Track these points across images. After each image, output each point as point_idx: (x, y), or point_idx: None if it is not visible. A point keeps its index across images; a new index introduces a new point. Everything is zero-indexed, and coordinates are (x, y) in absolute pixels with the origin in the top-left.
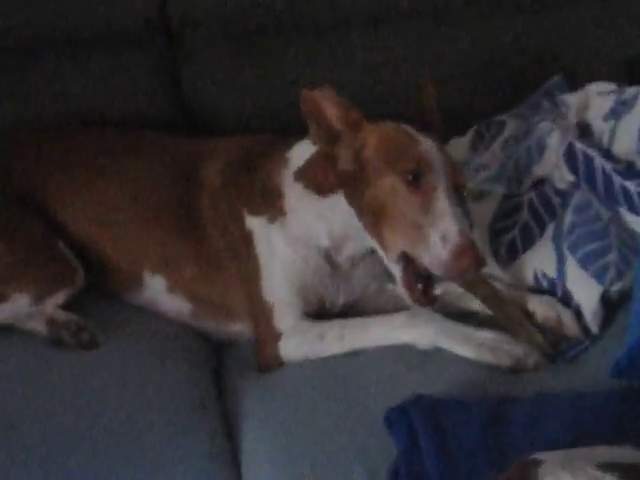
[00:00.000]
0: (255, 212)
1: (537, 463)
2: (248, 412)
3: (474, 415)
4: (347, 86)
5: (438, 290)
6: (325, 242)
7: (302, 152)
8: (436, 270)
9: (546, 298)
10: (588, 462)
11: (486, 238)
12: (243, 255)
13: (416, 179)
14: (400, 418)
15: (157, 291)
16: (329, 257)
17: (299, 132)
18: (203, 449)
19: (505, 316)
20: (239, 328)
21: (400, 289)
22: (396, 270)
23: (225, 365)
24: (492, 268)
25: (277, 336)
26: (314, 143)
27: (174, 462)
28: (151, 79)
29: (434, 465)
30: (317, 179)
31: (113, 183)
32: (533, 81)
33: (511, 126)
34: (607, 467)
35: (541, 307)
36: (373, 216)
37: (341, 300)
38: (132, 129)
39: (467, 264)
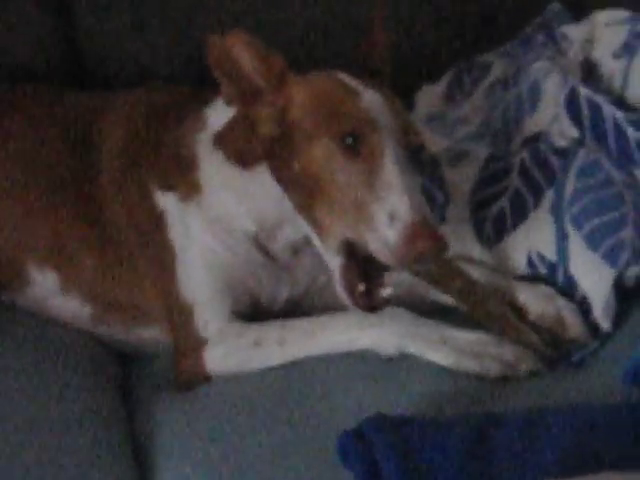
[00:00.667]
0: (166, 187)
1: None
2: (164, 445)
3: (451, 439)
4: (282, 21)
5: (388, 290)
6: (253, 226)
7: (225, 111)
8: (384, 257)
9: (542, 289)
10: None
11: (466, 211)
12: (154, 242)
13: (355, 142)
14: (356, 445)
15: (47, 290)
16: (261, 244)
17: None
18: None
19: (487, 314)
20: (152, 334)
21: (338, 288)
22: (334, 263)
23: (134, 382)
24: (472, 249)
25: (201, 343)
26: (227, 103)
27: None
28: (37, 17)
29: None
30: (238, 147)
31: None
32: (526, 10)
33: (498, 68)
34: None
35: (535, 301)
36: (304, 193)
37: (281, 297)
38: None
39: (422, 247)
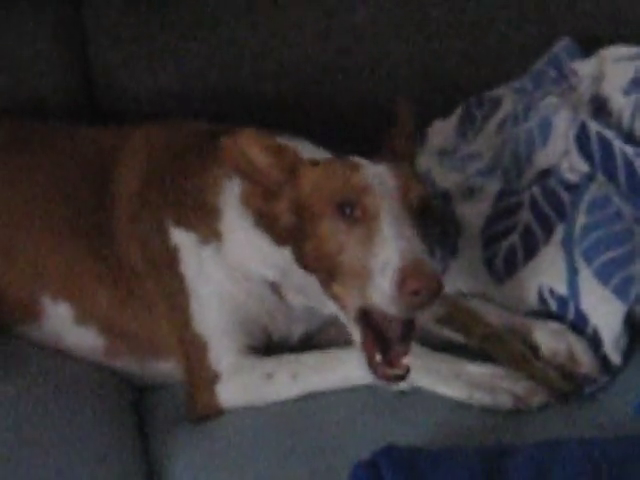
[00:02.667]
0: (183, 225)
1: None
2: (178, 477)
3: (463, 470)
4: (295, 57)
5: (407, 360)
6: (272, 277)
7: None
8: (385, 307)
9: (554, 326)
10: None
11: (477, 246)
12: (167, 276)
13: (352, 210)
14: (369, 474)
15: (61, 322)
16: (278, 291)
17: (242, 119)
18: None
19: (509, 355)
20: (167, 368)
21: (363, 360)
22: (356, 335)
23: (149, 413)
24: (483, 285)
25: (214, 377)
26: (250, 205)
27: None
28: (51, 51)
29: None
30: (267, 224)
31: (1, 188)
32: (537, 45)
33: (509, 103)
34: None
35: (548, 338)
36: (322, 272)
37: (296, 333)
38: (23, 118)
39: (413, 286)
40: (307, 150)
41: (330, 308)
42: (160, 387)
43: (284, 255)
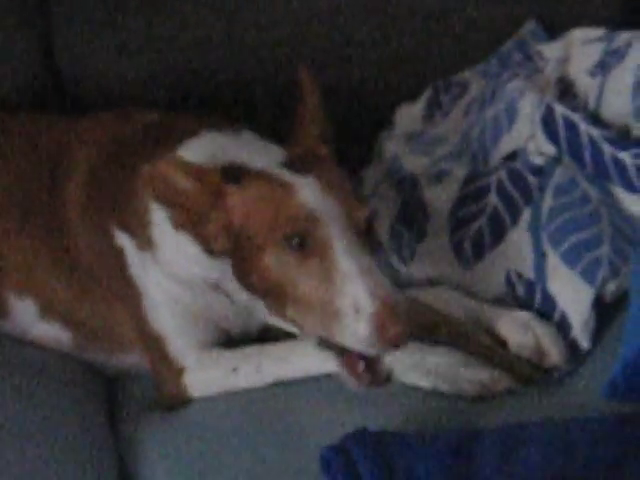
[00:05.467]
0: (124, 229)
1: None
2: (148, 464)
3: (433, 454)
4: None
5: (386, 362)
6: (212, 278)
7: (190, 158)
8: (361, 349)
9: (520, 316)
10: None
11: (445, 230)
12: (118, 276)
13: (302, 242)
14: (339, 458)
15: (28, 318)
16: (222, 289)
17: (200, 105)
18: None
19: (473, 347)
20: (133, 360)
21: (342, 376)
22: (327, 353)
23: (120, 402)
24: (451, 269)
25: (179, 371)
26: (176, 229)
27: None
28: (17, 39)
29: None
30: (199, 241)
31: None
32: (504, 28)
33: (475, 86)
34: None
35: (514, 331)
36: (270, 299)
37: (252, 327)
38: None
39: (391, 335)
40: (248, 142)
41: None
42: (130, 377)
43: (223, 264)
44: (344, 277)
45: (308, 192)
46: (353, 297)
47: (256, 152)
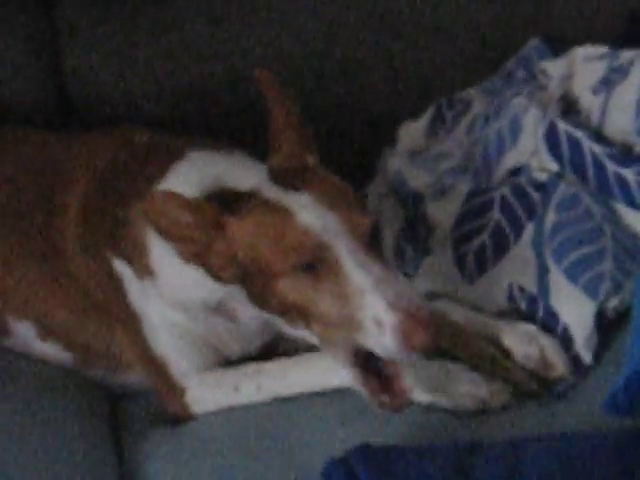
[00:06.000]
0: (121, 257)
1: None
2: (151, 474)
3: (434, 467)
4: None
5: (407, 382)
6: (215, 301)
7: (180, 186)
8: (389, 357)
9: (524, 329)
10: None
11: (448, 245)
12: (116, 301)
13: (312, 268)
14: (341, 472)
15: (28, 339)
16: (225, 313)
17: (205, 122)
18: None
19: (476, 358)
20: (136, 379)
21: (363, 394)
22: (351, 375)
23: (124, 419)
24: (454, 284)
25: (181, 392)
26: (185, 262)
27: None
28: (22, 55)
29: None
30: (206, 271)
31: None
32: (508, 46)
33: (479, 103)
34: None
35: (518, 343)
36: (293, 316)
37: (252, 348)
38: None
39: (419, 342)
40: (240, 164)
41: (299, 335)
42: (135, 394)
43: (230, 289)
44: (359, 291)
45: (307, 214)
46: (372, 310)
47: (244, 171)
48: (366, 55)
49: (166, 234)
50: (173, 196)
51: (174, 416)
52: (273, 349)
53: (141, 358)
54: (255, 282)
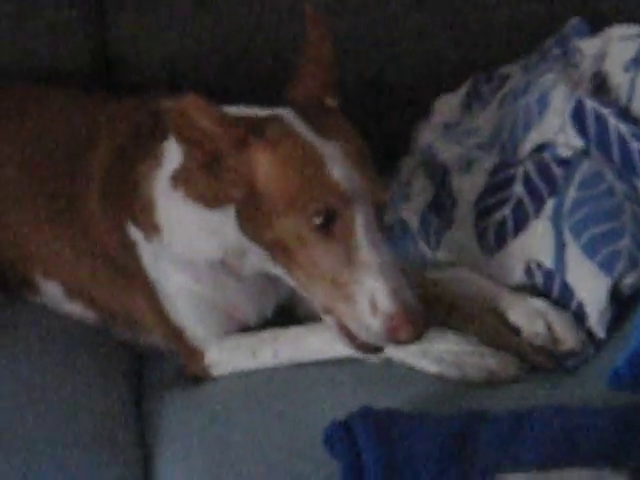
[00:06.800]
0: (134, 221)
1: None
2: (169, 432)
3: (435, 433)
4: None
5: None
6: (217, 255)
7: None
8: (365, 338)
9: (534, 304)
10: None
11: (470, 218)
12: (133, 267)
13: (327, 221)
14: (342, 435)
15: (55, 298)
16: (230, 269)
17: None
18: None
19: (482, 331)
20: (158, 340)
21: (339, 339)
22: (326, 320)
23: (147, 378)
24: (474, 256)
25: (200, 355)
26: (194, 169)
27: None
28: (67, 21)
29: None
30: (199, 190)
31: None
32: (548, 24)
33: (514, 80)
34: None
35: (527, 319)
36: (278, 255)
37: (267, 310)
38: (23, 84)
39: (404, 337)
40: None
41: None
42: (159, 354)
43: (221, 220)
44: (364, 266)
45: (338, 167)
46: (371, 290)
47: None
48: (406, 31)
49: (183, 136)
50: (200, 104)
51: (194, 377)
52: (291, 316)
53: (160, 322)
54: (259, 210)
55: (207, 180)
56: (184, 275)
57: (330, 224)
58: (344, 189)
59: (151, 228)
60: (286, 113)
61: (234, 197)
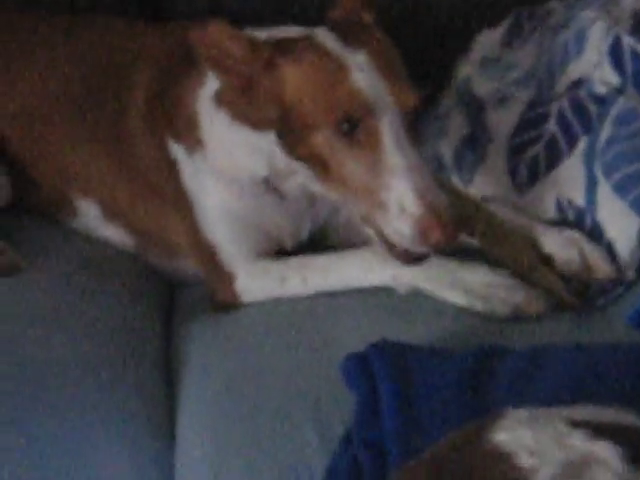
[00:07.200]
0: (175, 137)
1: (498, 418)
2: (194, 360)
3: (453, 366)
4: None
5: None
6: (262, 172)
7: None
8: (402, 244)
9: (568, 234)
10: (559, 419)
11: (503, 153)
12: (172, 186)
13: (352, 128)
14: (359, 366)
15: (94, 219)
16: (273, 187)
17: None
18: (135, 404)
19: (510, 258)
20: (189, 265)
21: (381, 249)
22: (367, 230)
23: (179, 305)
24: (506, 192)
25: (230, 278)
26: (225, 93)
27: (100, 415)
28: None
29: (391, 421)
30: (241, 112)
31: (35, 78)
32: None
33: (556, 16)
34: (578, 424)
35: (561, 248)
36: (315, 172)
37: (303, 234)
38: (61, 11)
39: (434, 240)
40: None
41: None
42: (188, 283)
43: (268, 141)
44: (392, 171)
45: (361, 75)
46: (399, 193)
47: (302, 30)
48: None
49: (215, 65)
50: (228, 29)
51: (223, 304)
52: (324, 245)
53: (193, 244)
54: (293, 127)
55: (245, 104)
56: (225, 191)
57: (355, 131)
58: (366, 96)
59: (195, 143)
60: (320, 31)
61: (271, 118)
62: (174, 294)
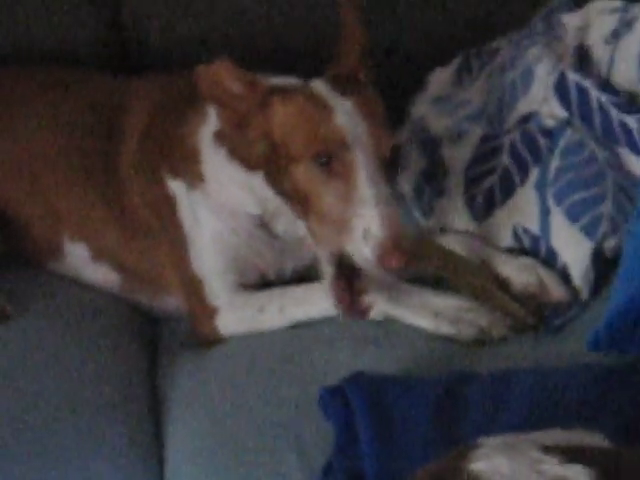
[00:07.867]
0: (175, 174)
1: (474, 448)
2: (178, 393)
3: (424, 395)
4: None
5: (370, 298)
6: (256, 210)
7: None
8: (364, 267)
9: (524, 260)
10: (532, 445)
11: (460, 186)
12: (167, 222)
13: (329, 161)
14: (336, 398)
15: (80, 260)
16: (264, 225)
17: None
18: (123, 440)
19: (469, 286)
20: (174, 302)
21: (330, 296)
22: (327, 272)
23: (163, 341)
24: (465, 223)
25: (212, 312)
26: (222, 128)
27: (90, 451)
28: (82, 3)
29: (370, 449)
30: (237, 151)
31: (23, 131)
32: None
33: (503, 54)
34: (550, 449)
35: (518, 272)
36: (298, 207)
37: (287, 270)
38: (48, 65)
39: (391, 264)
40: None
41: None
42: (172, 318)
43: (259, 182)
44: (362, 201)
45: (344, 116)
46: (367, 220)
47: (298, 80)
48: (398, 9)
49: (213, 98)
50: (230, 67)
51: (204, 337)
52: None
53: (180, 278)
54: (277, 163)
55: (239, 140)
56: (221, 223)
57: (332, 165)
58: (346, 133)
59: (195, 178)
60: (316, 81)
61: (260, 155)
62: (158, 328)
